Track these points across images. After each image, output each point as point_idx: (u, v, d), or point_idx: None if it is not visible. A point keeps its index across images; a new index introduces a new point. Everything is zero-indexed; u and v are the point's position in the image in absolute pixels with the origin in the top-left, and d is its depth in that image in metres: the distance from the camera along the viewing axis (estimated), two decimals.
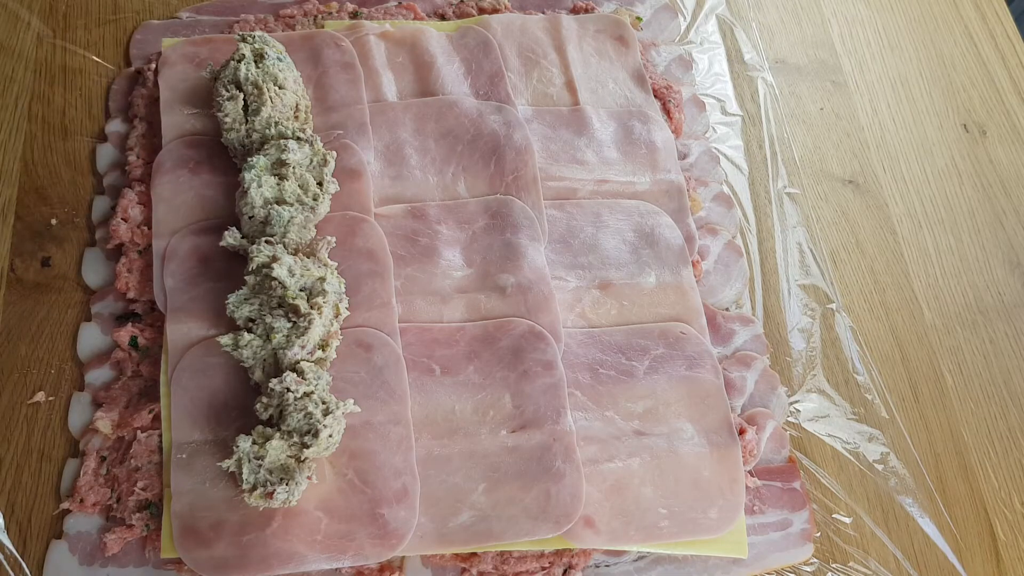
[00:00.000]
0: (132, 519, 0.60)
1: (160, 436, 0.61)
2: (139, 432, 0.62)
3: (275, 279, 0.60)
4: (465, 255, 0.69)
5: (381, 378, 0.62)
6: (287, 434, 0.56)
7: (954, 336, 0.76)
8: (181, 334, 0.63)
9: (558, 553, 0.62)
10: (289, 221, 0.63)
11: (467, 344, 0.65)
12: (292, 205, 0.64)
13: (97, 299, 0.68)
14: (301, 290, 0.61)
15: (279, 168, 0.65)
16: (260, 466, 0.56)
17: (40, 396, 0.65)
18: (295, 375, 0.58)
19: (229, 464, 0.56)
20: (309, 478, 0.57)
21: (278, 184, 0.65)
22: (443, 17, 0.84)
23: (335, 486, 0.59)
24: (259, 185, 0.64)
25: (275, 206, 0.63)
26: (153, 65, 0.76)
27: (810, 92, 0.87)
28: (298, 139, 0.67)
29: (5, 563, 0.59)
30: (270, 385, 0.57)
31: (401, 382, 0.62)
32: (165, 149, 0.70)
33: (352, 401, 0.59)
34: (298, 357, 0.59)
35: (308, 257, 0.64)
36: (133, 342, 0.65)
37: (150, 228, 0.68)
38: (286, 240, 0.63)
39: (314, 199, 0.65)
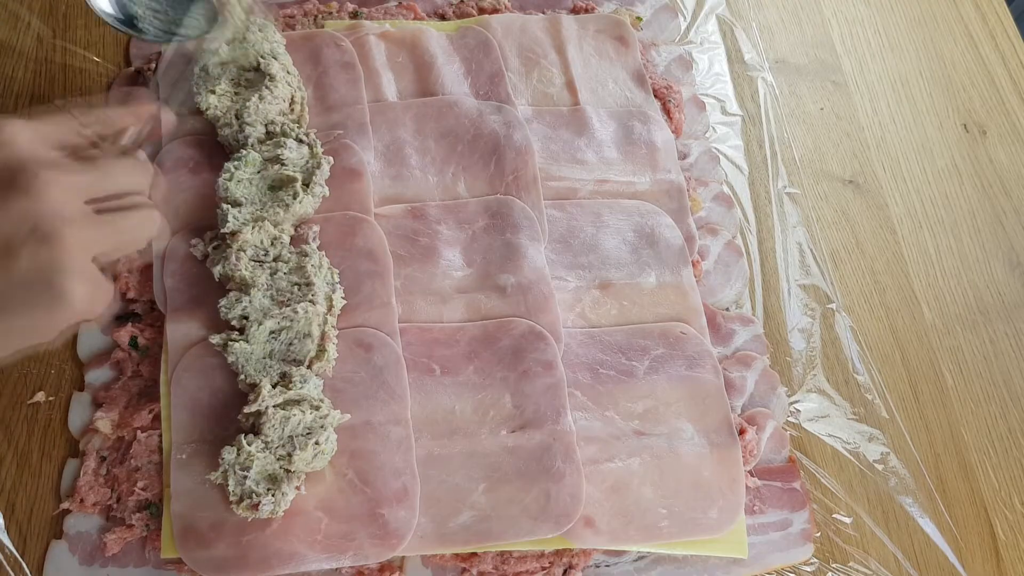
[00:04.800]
0: (132, 519, 0.60)
1: (160, 436, 0.61)
2: (139, 432, 0.62)
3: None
4: (465, 255, 0.69)
5: (381, 378, 0.62)
6: (269, 444, 0.56)
7: (954, 336, 0.76)
8: (181, 334, 0.63)
9: (558, 553, 0.62)
10: (238, 219, 0.63)
11: (467, 344, 0.65)
12: (244, 205, 0.64)
13: None
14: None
15: (272, 165, 0.65)
16: (246, 477, 0.55)
17: (40, 396, 0.65)
18: (281, 388, 0.58)
19: (216, 476, 0.56)
20: (298, 488, 0.57)
21: (252, 179, 0.65)
22: (443, 17, 0.84)
23: (335, 486, 0.59)
24: (230, 179, 0.64)
25: (226, 206, 0.63)
26: (153, 65, 0.76)
27: (810, 92, 0.87)
28: (299, 140, 0.67)
29: (5, 563, 0.59)
30: (255, 406, 0.57)
31: (401, 382, 0.62)
32: (165, 149, 0.70)
33: (339, 412, 0.59)
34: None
35: (297, 248, 0.64)
36: (133, 342, 0.65)
37: None
38: (241, 240, 0.63)
39: (293, 196, 0.64)
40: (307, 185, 0.65)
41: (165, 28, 0.66)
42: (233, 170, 0.64)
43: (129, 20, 0.64)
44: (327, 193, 0.67)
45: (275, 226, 0.64)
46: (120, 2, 0.64)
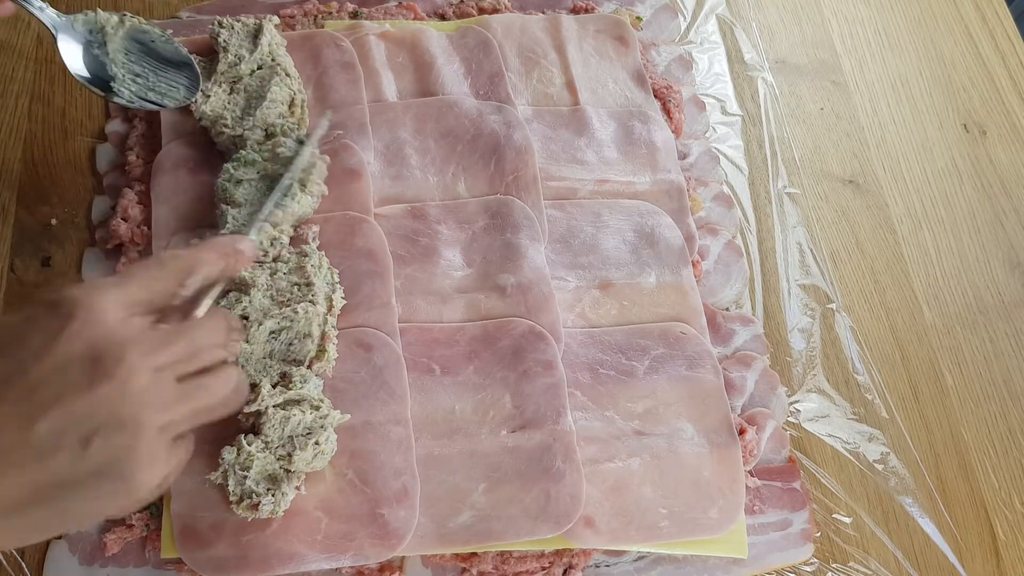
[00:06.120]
0: (132, 519, 0.60)
1: None
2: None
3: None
4: (465, 255, 0.69)
5: (381, 378, 0.62)
6: (269, 444, 0.56)
7: (954, 336, 0.76)
8: None
9: (558, 553, 0.62)
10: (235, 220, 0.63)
11: (467, 344, 0.65)
12: (244, 206, 0.64)
13: None
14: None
15: (270, 166, 0.65)
16: (246, 477, 0.55)
17: None
18: (282, 387, 0.58)
19: (216, 476, 0.56)
20: (298, 488, 0.57)
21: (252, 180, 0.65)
22: (443, 17, 0.84)
23: (335, 486, 0.59)
24: (229, 180, 0.64)
25: (225, 207, 0.63)
26: None
27: (810, 92, 0.87)
28: (299, 141, 0.67)
29: (5, 563, 0.59)
30: (255, 406, 0.57)
31: (401, 382, 0.62)
32: (165, 149, 0.70)
33: (339, 412, 0.59)
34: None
35: (297, 248, 0.64)
36: None
37: (150, 228, 0.68)
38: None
39: (291, 197, 0.64)
40: (304, 185, 0.65)
41: (141, 94, 0.67)
42: (232, 171, 0.64)
43: (103, 82, 0.65)
44: (325, 191, 0.67)
45: (274, 227, 0.64)
46: (98, 61, 0.65)
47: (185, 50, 0.69)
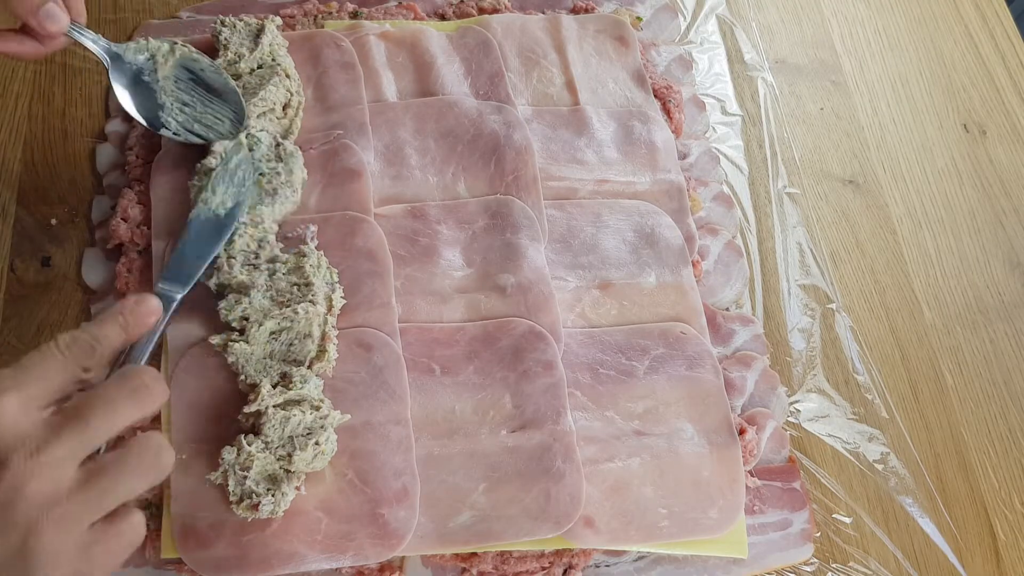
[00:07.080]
0: None
1: None
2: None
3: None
4: (465, 255, 0.69)
5: (381, 378, 0.62)
6: (269, 444, 0.56)
7: (954, 336, 0.76)
8: (181, 334, 0.63)
9: (558, 553, 0.62)
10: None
11: (467, 344, 0.65)
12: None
13: (97, 299, 0.68)
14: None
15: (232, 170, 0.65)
16: (246, 477, 0.55)
17: None
18: (282, 388, 0.58)
19: (216, 476, 0.56)
20: (298, 488, 0.57)
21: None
22: (443, 17, 0.84)
23: (335, 486, 0.59)
24: (211, 191, 0.64)
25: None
26: None
27: (810, 92, 0.87)
28: (278, 144, 0.66)
29: None
30: (255, 406, 0.57)
31: (401, 382, 0.62)
32: (164, 149, 0.70)
33: (339, 413, 0.59)
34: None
35: (295, 248, 0.64)
36: None
37: (150, 228, 0.68)
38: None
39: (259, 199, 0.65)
40: (268, 180, 0.65)
41: (187, 125, 0.67)
42: (197, 183, 0.64)
43: (151, 111, 0.66)
44: (297, 191, 0.67)
45: (255, 227, 0.64)
46: (148, 89, 0.66)
47: (233, 83, 0.68)
